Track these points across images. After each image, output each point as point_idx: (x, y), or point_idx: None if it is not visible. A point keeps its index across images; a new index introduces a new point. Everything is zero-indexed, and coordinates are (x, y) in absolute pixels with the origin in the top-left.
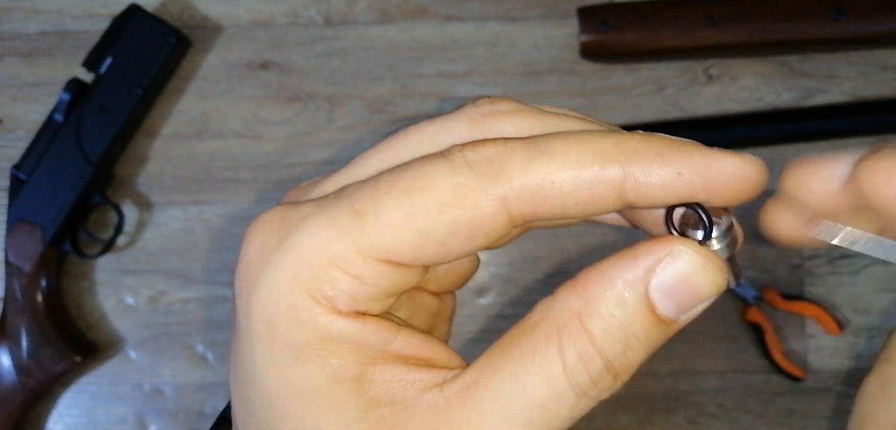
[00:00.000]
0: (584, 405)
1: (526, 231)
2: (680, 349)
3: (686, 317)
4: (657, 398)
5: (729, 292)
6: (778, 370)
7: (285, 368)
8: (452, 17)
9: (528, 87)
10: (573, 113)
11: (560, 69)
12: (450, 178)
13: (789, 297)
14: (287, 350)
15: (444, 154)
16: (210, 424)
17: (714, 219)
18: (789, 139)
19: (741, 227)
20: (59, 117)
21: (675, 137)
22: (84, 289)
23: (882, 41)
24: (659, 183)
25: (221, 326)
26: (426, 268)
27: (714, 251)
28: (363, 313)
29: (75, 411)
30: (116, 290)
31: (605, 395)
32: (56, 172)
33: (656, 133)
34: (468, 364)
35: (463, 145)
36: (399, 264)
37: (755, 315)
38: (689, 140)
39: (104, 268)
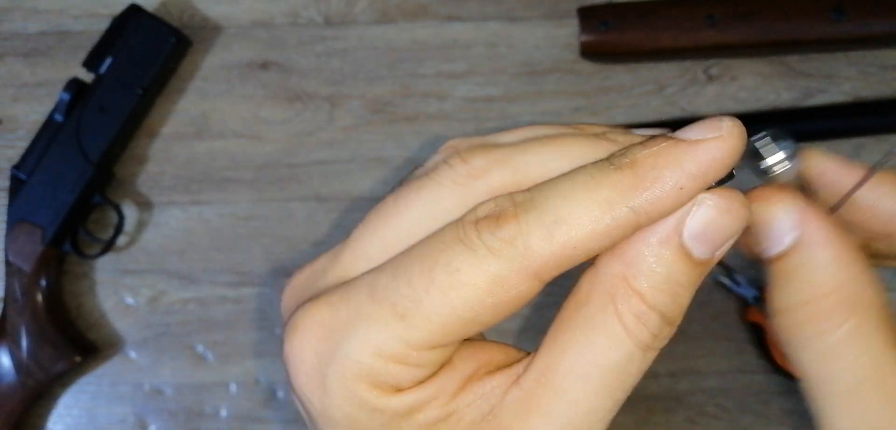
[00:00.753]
0: (651, 357)
1: None
2: (680, 349)
3: (720, 253)
4: (657, 398)
5: (729, 292)
6: (778, 369)
7: None
8: (452, 17)
9: (528, 87)
10: (542, 128)
11: (560, 69)
12: (481, 271)
13: None
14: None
15: (463, 242)
16: (210, 423)
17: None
18: None
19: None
20: (59, 117)
21: (658, 140)
22: (84, 289)
23: (882, 41)
24: (667, 205)
25: (221, 326)
26: None
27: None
28: (426, 379)
29: (75, 411)
30: (116, 290)
31: (666, 342)
32: (56, 172)
33: (631, 147)
34: (529, 352)
35: (479, 229)
36: (449, 345)
37: (755, 315)
38: (660, 133)
39: (104, 268)
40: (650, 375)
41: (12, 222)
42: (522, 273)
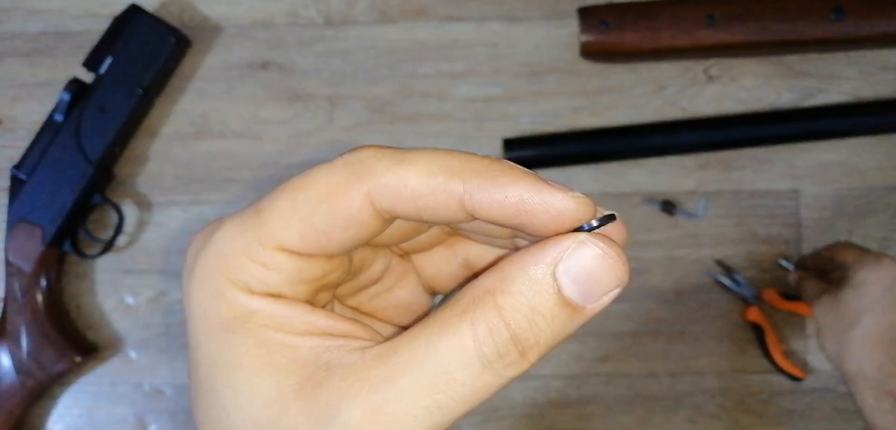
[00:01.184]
0: (490, 379)
1: (412, 235)
2: (680, 349)
3: (592, 305)
4: (657, 398)
5: (729, 292)
6: (778, 369)
7: (219, 341)
8: (452, 17)
9: (528, 87)
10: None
11: (560, 69)
12: (326, 177)
13: (789, 297)
14: (218, 326)
15: (328, 162)
16: None
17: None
18: (789, 139)
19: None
20: (59, 117)
21: (519, 168)
22: (84, 289)
23: (882, 41)
24: (489, 200)
25: None
26: (330, 259)
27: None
28: (278, 295)
29: (75, 411)
30: (116, 290)
31: (511, 372)
32: (56, 172)
33: (503, 160)
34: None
35: (341, 156)
36: (293, 252)
37: (755, 315)
38: (531, 173)
39: (104, 268)
40: (650, 375)
41: (12, 222)
42: (357, 188)
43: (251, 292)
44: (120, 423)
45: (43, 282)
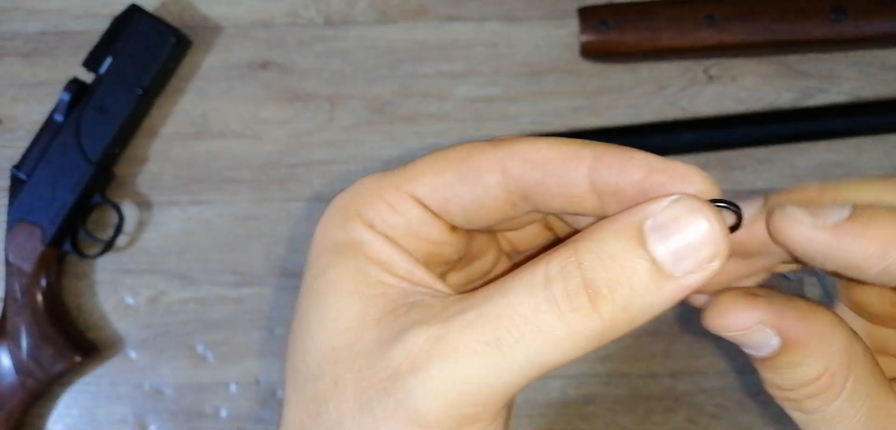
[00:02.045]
0: (554, 321)
1: (531, 221)
2: (680, 349)
3: (683, 274)
4: (657, 398)
5: None
6: None
7: (324, 263)
8: (452, 17)
9: (528, 87)
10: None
11: (560, 69)
12: (468, 144)
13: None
14: (330, 248)
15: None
16: (210, 424)
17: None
18: (789, 139)
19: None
20: (59, 117)
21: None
22: (84, 289)
23: (882, 41)
24: (618, 164)
25: (221, 326)
26: (452, 230)
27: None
28: (393, 240)
29: (75, 411)
30: (116, 290)
31: (578, 319)
32: (56, 172)
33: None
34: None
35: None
36: (420, 202)
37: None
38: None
39: (104, 268)
40: (650, 375)
41: (12, 222)
42: (490, 152)
43: (371, 227)
44: (120, 423)
45: (43, 282)
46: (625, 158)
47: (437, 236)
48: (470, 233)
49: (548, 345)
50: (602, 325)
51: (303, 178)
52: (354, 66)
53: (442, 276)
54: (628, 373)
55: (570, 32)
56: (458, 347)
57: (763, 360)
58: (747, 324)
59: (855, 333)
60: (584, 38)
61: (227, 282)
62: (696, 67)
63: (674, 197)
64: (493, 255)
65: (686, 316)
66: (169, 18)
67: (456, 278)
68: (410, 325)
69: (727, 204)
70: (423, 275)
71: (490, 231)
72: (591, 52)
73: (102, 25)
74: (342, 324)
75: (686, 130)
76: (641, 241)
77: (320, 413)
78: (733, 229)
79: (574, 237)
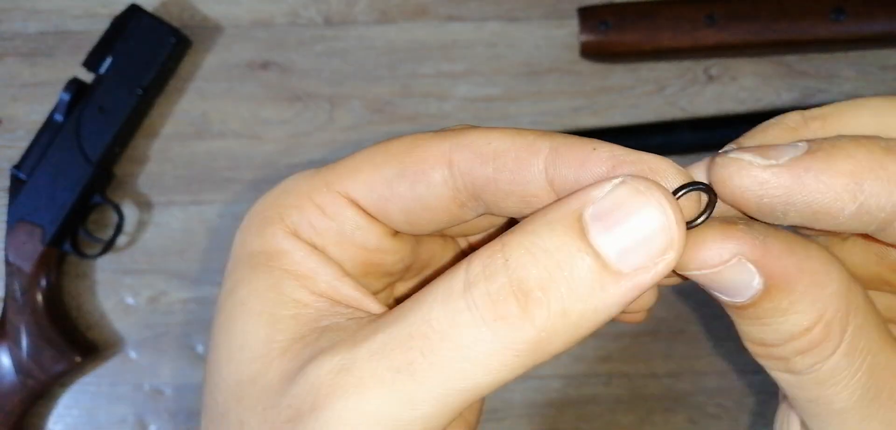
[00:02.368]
0: (477, 335)
1: (481, 228)
2: (680, 349)
3: (632, 270)
4: (657, 398)
5: None
6: None
7: (238, 276)
8: (452, 17)
9: (528, 87)
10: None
11: (560, 69)
12: (411, 136)
13: None
14: (245, 259)
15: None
16: None
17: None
18: None
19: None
20: (59, 117)
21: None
22: (84, 289)
23: (882, 41)
24: (578, 158)
25: None
26: (392, 236)
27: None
28: (320, 249)
29: (75, 411)
30: (116, 290)
31: (507, 331)
32: (56, 172)
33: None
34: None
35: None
36: (356, 204)
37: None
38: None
39: (104, 268)
40: (650, 375)
41: (12, 222)
42: (436, 144)
43: (295, 234)
44: (120, 423)
45: (43, 282)
46: (587, 150)
47: (374, 242)
48: (417, 239)
49: (470, 365)
50: (536, 335)
51: None
52: (354, 67)
53: (387, 287)
54: (628, 373)
55: (570, 32)
56: (364, 378)
57: (742, 308)
58: (722, 258)
59: (852, 277)
60: (584, 38)
61: None
62: (696, 67)
63: (617, 179)
64: (450, 263)
65: (686, 316)
66: (169, 18)
67: (405, 288)
68: (316, 354)
69: (694, 186)
70: (348, 290)
71: (442, 235)
72: (591, 52)
73: (102, 25)
74: (248, 354)
75: (686, 130)
76: (581, 232)
77: None
78: (706, 213)
79: (502, 234)
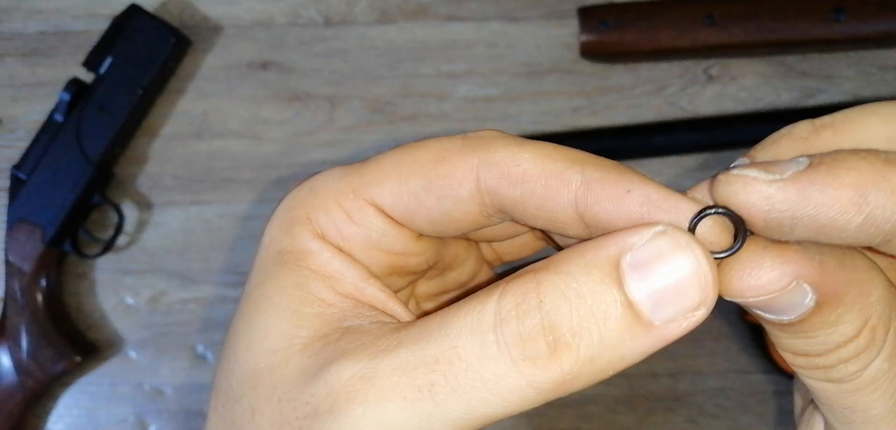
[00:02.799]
0: (504, 370)
1: (507, 236)
2: (680, 350)
3: (664, 322)
4: (657, 398)
5: None
6: (778, 370)
7: (265, 271)
8: (452, 17)
9: (528, 87)
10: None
11: (560, 69)
12: (440, 143)
13: None
14: (273, 255)
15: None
16: None
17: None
18: None
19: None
20: (59, 117)
21: (635, 170)
22: (84, 289)
23: (882, 41)
24: (611, 195)
25: (221, 326)
26: (417, 239)
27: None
28: (346, 253)
29: (75, 411)
30: (116, 290)
31: (534, 370)
32: (56, 172)
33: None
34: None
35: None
36: (382, 211)
37: (755, 315)
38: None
39: (104, 268)
40: (650, 375)
41: (12, 222)
42: (464, 158)
43: (322, 236)
44: (120, 423)
45: (43, 282)
46: (621, 192)
47: (400, 246)
48: (442, 240)
49: (492, 396)
50: (561, 377)
51: (303, 178)
52: (354, 66)
53: (410, 285)
54: (628, 373)
55: (570, 32)
56: (385, 390)
57: (788, 325)
58: (783, 284)
59: (889, 280)
60: (584, 38)
61: (227, 282)
62: (696, 67)
63: (658, 228)
64: (472, 264)
65: None
66: (169, 18)
67: (427, 287)
68: (338, 356)
69: (717, 210)
70: (374, 292)
71: (466, 238)
72: (591, 52)
73: (102, 25)
74: (268, 344)
75: (686, 130)
76: (618, 280)
77: None
78: (739, 242)
79: (534, 266)
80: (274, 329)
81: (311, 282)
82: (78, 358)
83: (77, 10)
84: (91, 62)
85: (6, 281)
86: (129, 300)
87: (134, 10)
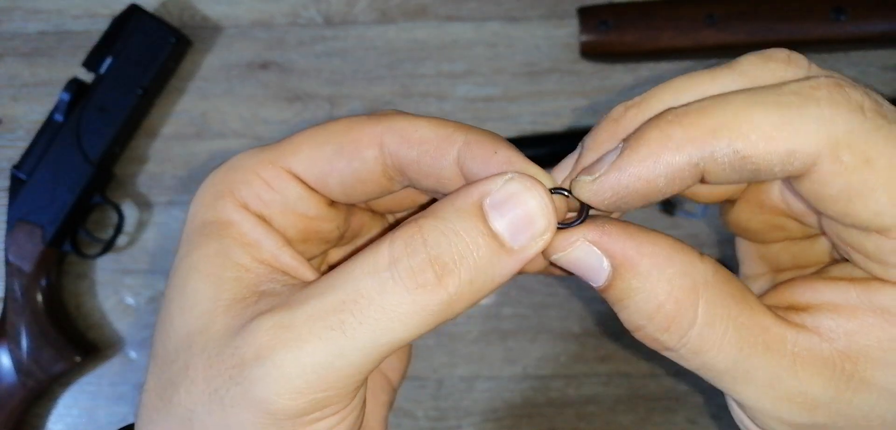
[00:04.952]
0: (401, 298)
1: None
2: None
3: (520, 246)
4: (657, 398)
5: None
6: None
7: (190, 243)
8: (452, 17)
9: (528, 87)
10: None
11: (560, 69)
12: (347, 118)
13: None
14: (198, 228)
15: None
16: None
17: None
18: None
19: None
20: (59, 117)
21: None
22: (84, 289)
23: (882, 41)
24: (482, 154)
25: None
26: (330, 206)
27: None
28: (267, 220)
29: (75, 411)
30: (116, 290)
31: (426, 296)
32: (56, 172)
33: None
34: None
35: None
36: (297, 177)
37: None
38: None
39: (104, 268)
40: (650, 375)
41: (12, 222)
42: (369, 127)
43: (244, 206)
44: (120, 423)
45: (43, 282)
46: (490, 152)
47: (314, 211)
48: (350, 209)
49: (394, 322)
50: (448, 298)
51: None
52: (354, 66)
53: (322, 253)
54: (628, 373)
55: (570, 32)
56: (302, 334)
57: (604, 291)
58: (570, 240)
59: (704, 258)
60: (584, 38)
61: None
62: (696, 67)
63: (508, 175)
64: (378, 227)
65: None
66: (169, 18)
67: (338, 255)
68: (257, 314)
69: (559, 190)
70: (288, 260)
71: (371, 210)
72: (591, 52)
73: (102, 25)
74: (197, 309)
75: None
76: (482, 217)
77: (172, 398)
78: (581, 215)
79: (413, 217)
80: (200, 293)
81: (231, 249)
82: (78, 358)
83: (77, 10)
84: (91, 62)
85: (6, 281)
86: (129, 300)
87: (134, 10)
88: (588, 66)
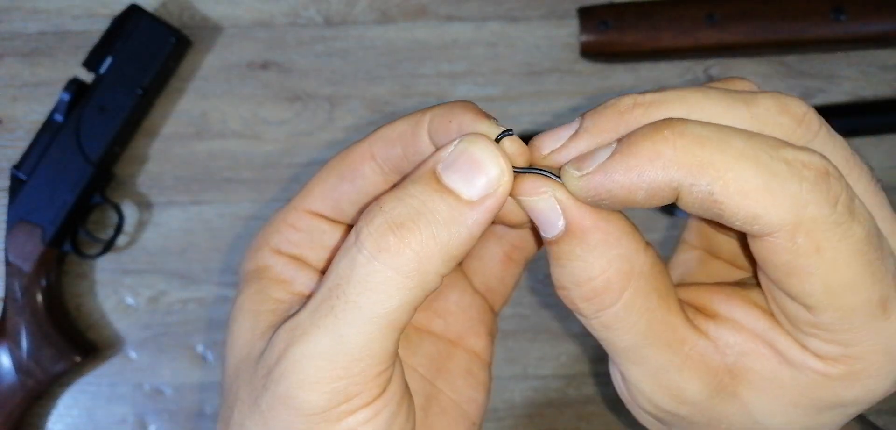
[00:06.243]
0: (374, 272)
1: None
2: None
3: (477, 192)
4: None
5: None
6: None
7: (240, 290)
8: (452, 17)
9: (528, 87)
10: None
11: (560, 69)
12: (341, 151)
13: None
14: (245, 276)
15: None
16: (210, 423)
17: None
18: None
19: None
20: (59, 117)
21: (473, 107)
22: (84, 289)
23: (882, 41)
24: (437, 125)
25: (221, 326)
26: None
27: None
28: (299, 258)
29: (75, 411)
30: (116, 290)
31: (392, 259)
32: (56, 172)
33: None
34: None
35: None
36: (316, 214)
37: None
38: (481, 110)
39: (104, 268)
40: None
41: (12, 222)
42: (363, 144)
43: (278, 251)
44: (120, 423)
45: (43, 282)
46: (446, 123)
47: (338, 238)
48: None
49: (374, 293)
50: (416, 256)
51: (303, 178)
52: (354, 66)
53: None
54: None
55: (570, 32)
56: (307, 330)
57: (549, 243)
58: (539, 189)
59: (647, 249)
60: (584, 38)
61: (227, 282)
62: (696, 67)
63: (457, 139)
64: None
65: None
66: (169, 18)
67: None
68: (277, 329)
69: (505, 133)
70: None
71: None
72: (591, 52)
73: (102, 25)
74: (241, 341)
75: None
76: (436, 178)
77: (229, 421)
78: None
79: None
80: (243, 328)
81: (268, 287)
82: (78, 358)
83: (77, 10)
84: (91, 62)
85: (6, 281)
86: (129, 300)
87: (134, 10)
88: (588, 67)
